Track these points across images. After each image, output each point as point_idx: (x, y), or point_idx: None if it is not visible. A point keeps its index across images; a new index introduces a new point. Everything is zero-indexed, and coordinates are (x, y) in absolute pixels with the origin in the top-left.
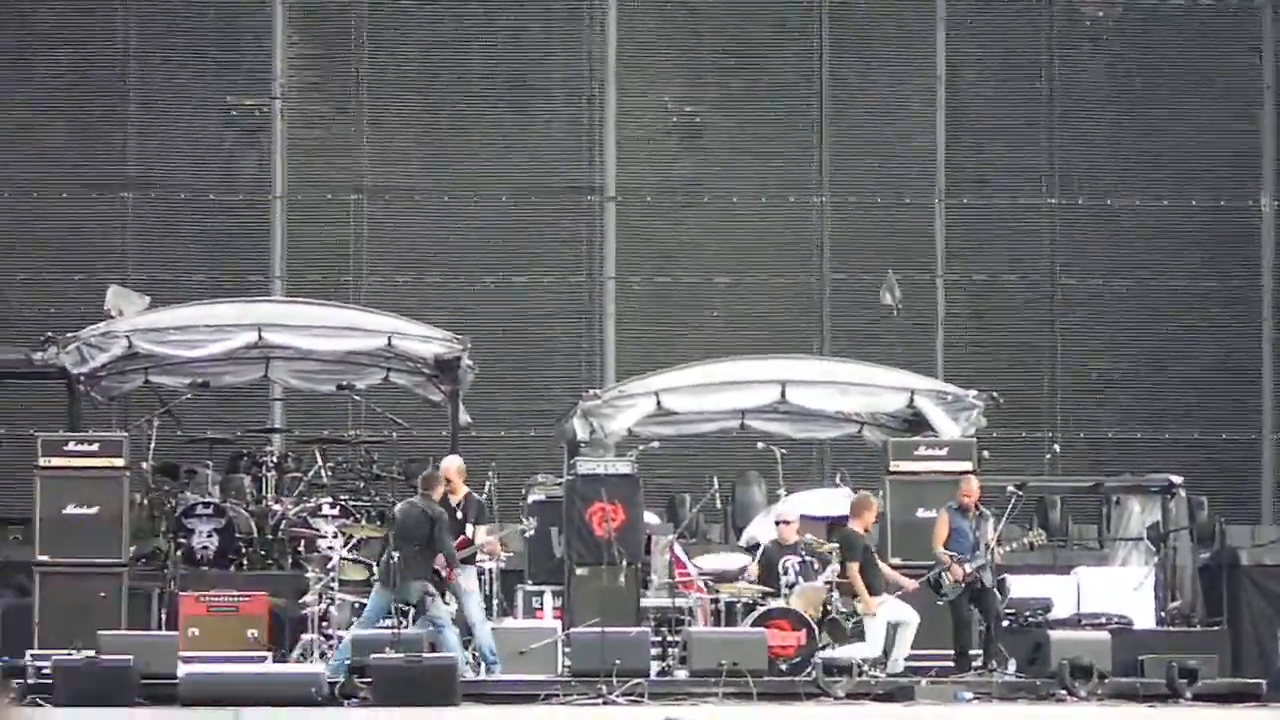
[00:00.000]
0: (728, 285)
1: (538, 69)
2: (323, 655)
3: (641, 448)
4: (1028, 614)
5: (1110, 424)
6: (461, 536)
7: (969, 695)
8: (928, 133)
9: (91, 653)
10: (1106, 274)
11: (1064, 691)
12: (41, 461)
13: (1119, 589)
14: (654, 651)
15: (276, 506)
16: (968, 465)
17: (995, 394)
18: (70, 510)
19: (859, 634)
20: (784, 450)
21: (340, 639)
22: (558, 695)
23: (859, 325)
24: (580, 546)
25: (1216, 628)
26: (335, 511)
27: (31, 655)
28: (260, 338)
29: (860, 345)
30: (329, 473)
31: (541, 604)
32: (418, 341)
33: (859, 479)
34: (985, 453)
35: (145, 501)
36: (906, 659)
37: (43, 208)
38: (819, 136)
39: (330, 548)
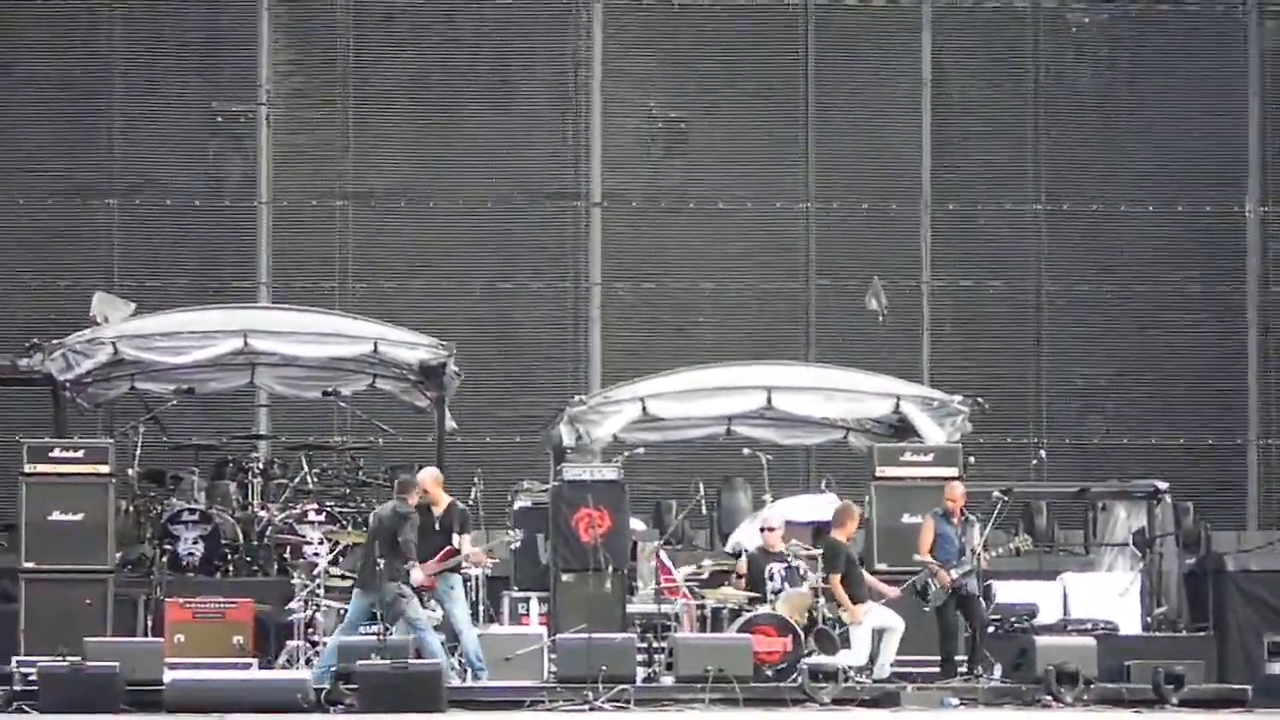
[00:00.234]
0: (713, 291)
1: (523, 75)
2: (308, 661)
3: (627, 454)
4: (1013, 620)
5: (1096, 430)
6: (447, 547)
7: (955, 701)
8: (913, 139)
9: (77, 659)
10: (1092, 280)
11: (1050, 697)
12: (27, 468)
13: (1105, 595)
14: (640, 658)
15: (262, 513)
16: (953, 471)
17: (981, 399)
18: (56, 516)
19: (847, 642)
20: (770, 456)
21: (326, 645)
22: (544, 701)
23: (845, 331)
24: (566, 553)
25: (1202, 633)
26: (321, 518)
27: (17, 662)
28: (246, 344)
29: (846, 351)
30: (315, 479)
31: (527, 610)
32: (403, 348)
33: (845, 485)
34: (971, 458)
35: (131, 508)
36: (892, 665)
37: (28, 214)
38: (804, 143)
39: (316, 554)
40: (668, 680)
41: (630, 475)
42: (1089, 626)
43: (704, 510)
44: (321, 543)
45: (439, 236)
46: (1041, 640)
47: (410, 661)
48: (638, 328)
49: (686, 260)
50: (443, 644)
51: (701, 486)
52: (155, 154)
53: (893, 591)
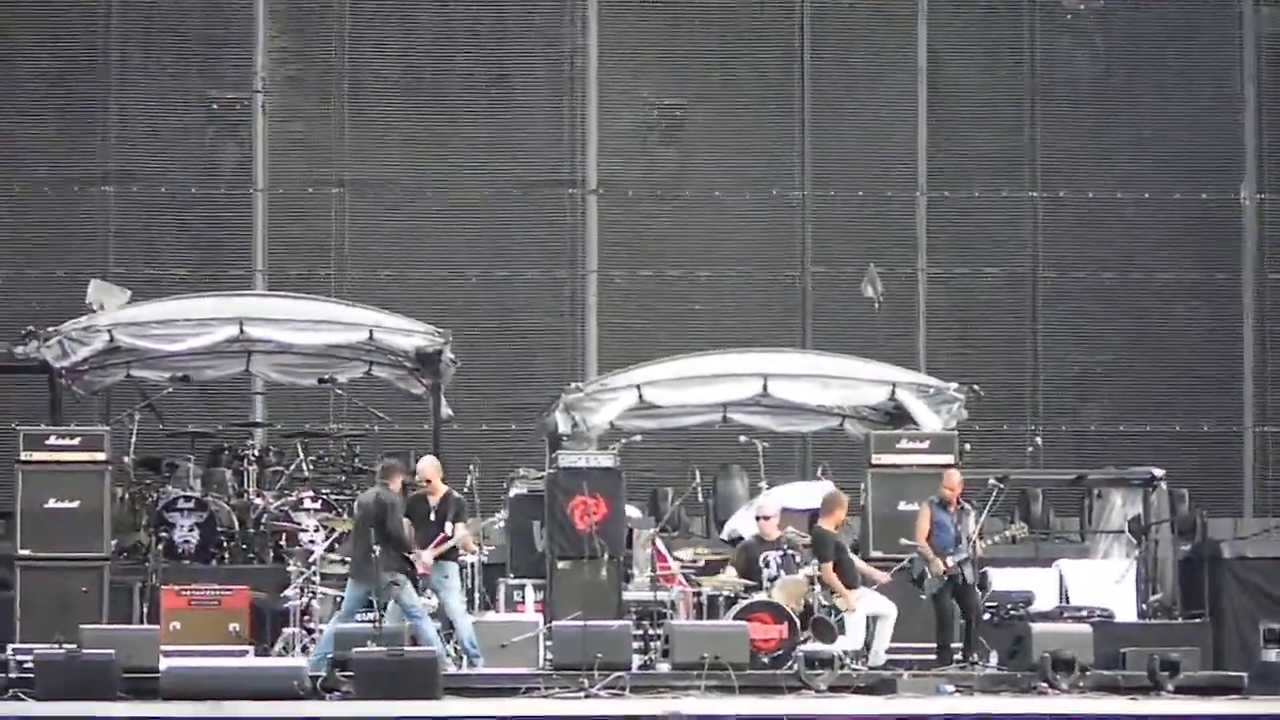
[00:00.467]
0: (709, 279)
1: (519, 62)
2: (304, 649)
3: (623, 441)
4: (1009, 607)
5: (1092, 417)
6: (440, 535)
7: (950, 688)
8: (909, 126)
9: (73, 646)
10: (1088, 267)
11: (1045, 684)
12: (23, 455)
13: (1101, 582)
14: (636, 645)
15: (258, 500)
16: (949, 458)
17: (976, 387)
18: (52, 504)
19: (843, 629)
20: (766, 443)
21: (322, 632)
22: (539, 688)
23: (841, 319)
24: (562, 540)
25: (1198, 620)
26: (317, 505)
27: (13, 649)
28: (241, 332)
29: (842, 338)
30: (310, 466)
31: (523, 597)
32: (399, 335)
33: (841, 472)
34: (967, 446)
35: (127, 495)
36: (887, 651)
37: (24, 201)
38: (800, 130)
39: (312, 541)
40: (664, 667)
41: (626, 462)
42: (1085, 613)
43: (700, 498)
44: (317, 530)
45: (435, 224)
46: (1037, 627)
47: (406, 649)
48: (634, 315)
49: (683, 248)
50: (438, 631)
51: (698, 474)
52: (151, 142)
53: (883, 577)
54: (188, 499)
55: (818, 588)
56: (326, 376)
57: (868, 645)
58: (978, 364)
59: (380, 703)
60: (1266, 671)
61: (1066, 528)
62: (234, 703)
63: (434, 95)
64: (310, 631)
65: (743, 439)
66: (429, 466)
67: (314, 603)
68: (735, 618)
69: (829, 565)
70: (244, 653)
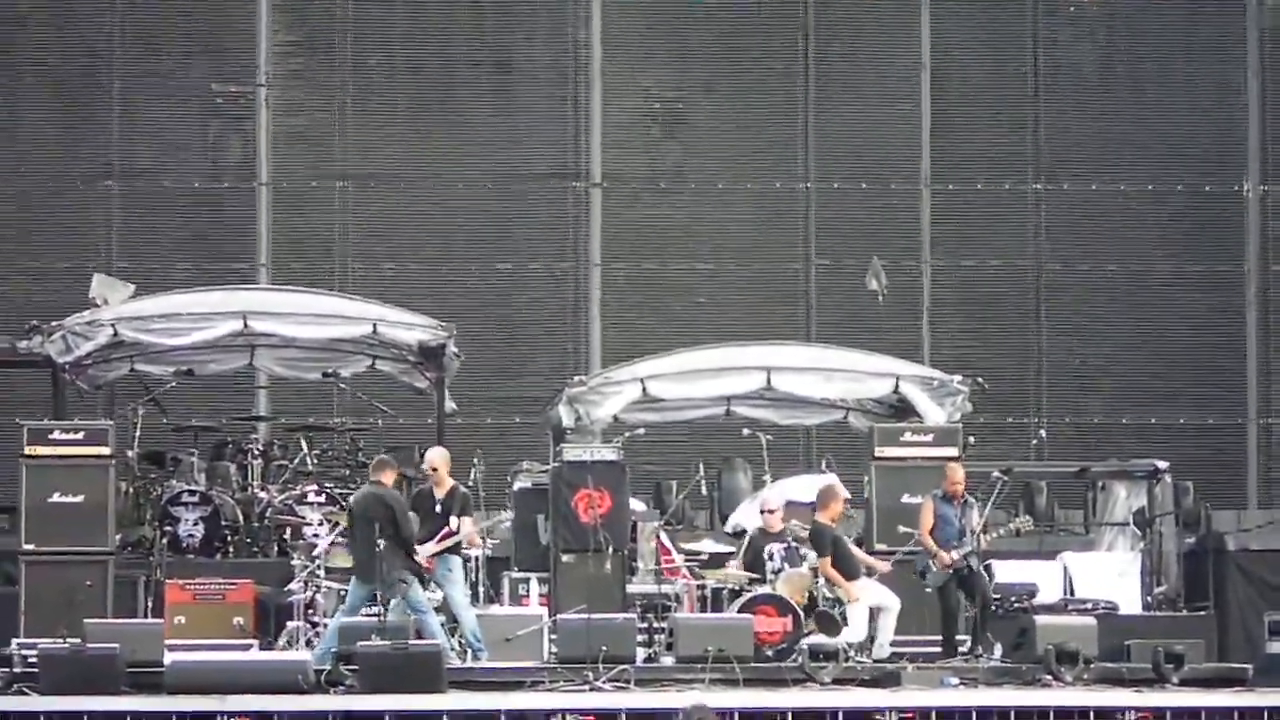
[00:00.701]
0: (713, 271)
1: (522, 55)
2: (309, 643)
3: (627, 434)
4: (1013, 599)
5: (1096, 409)
6: (445, 529)
7: (955, 680)
8: (913, 119)
9: (77, 641)
10: (1092, 259)
11: (1050, 677)
12: (27, 450)
13: (1105, 574)
14: (640, 638)
15: (262, 494)
16: (953, 451)
17: (980, 379)
18: (56, 499)
19: (846, 621)
20: (770, 436)
21: (326, 626)
22: (544, 682)
23: (845, 311)
24: (566, 533)
25: (1203, 613)
26: (321, 499)
27: (17, 644)
28: (245, 325)
29: (846, 331)
30: (314, 460)
31: (527, 591)
32: (403, 329)
33: (845, 465)
34: (971, 438)
35: (131, 490)
36: (892, 644)
37: (27, 196)
38: (804, 123)
39: (316, 535)
40: (668, 660)
41: (630, 456)
42: (1089, 606)
43: (704, 491)
44: (321, 524)
45: (438, 217)
46: (1041, 620)
47: (410, 642)
48: (637, 308)
49: (686, 241)
50: (442, 625)
51: (701, 467)
52: (154, 136)
53: (885, 566)
54: (192, 493)
55: (822, 580)
56: (330, 370)
57: (871, 638)
58: (981, 357)
59: (384, 696)
60: (1271, 663)
61: (1070, 520)
62: (238, 696)
63: (437, 88)
64: (315, 625)
65: (746, 432)
66: (437, 456)
67: (318, 596)
68: (739, 610)
69: (827, 560)
70: (248, 647)
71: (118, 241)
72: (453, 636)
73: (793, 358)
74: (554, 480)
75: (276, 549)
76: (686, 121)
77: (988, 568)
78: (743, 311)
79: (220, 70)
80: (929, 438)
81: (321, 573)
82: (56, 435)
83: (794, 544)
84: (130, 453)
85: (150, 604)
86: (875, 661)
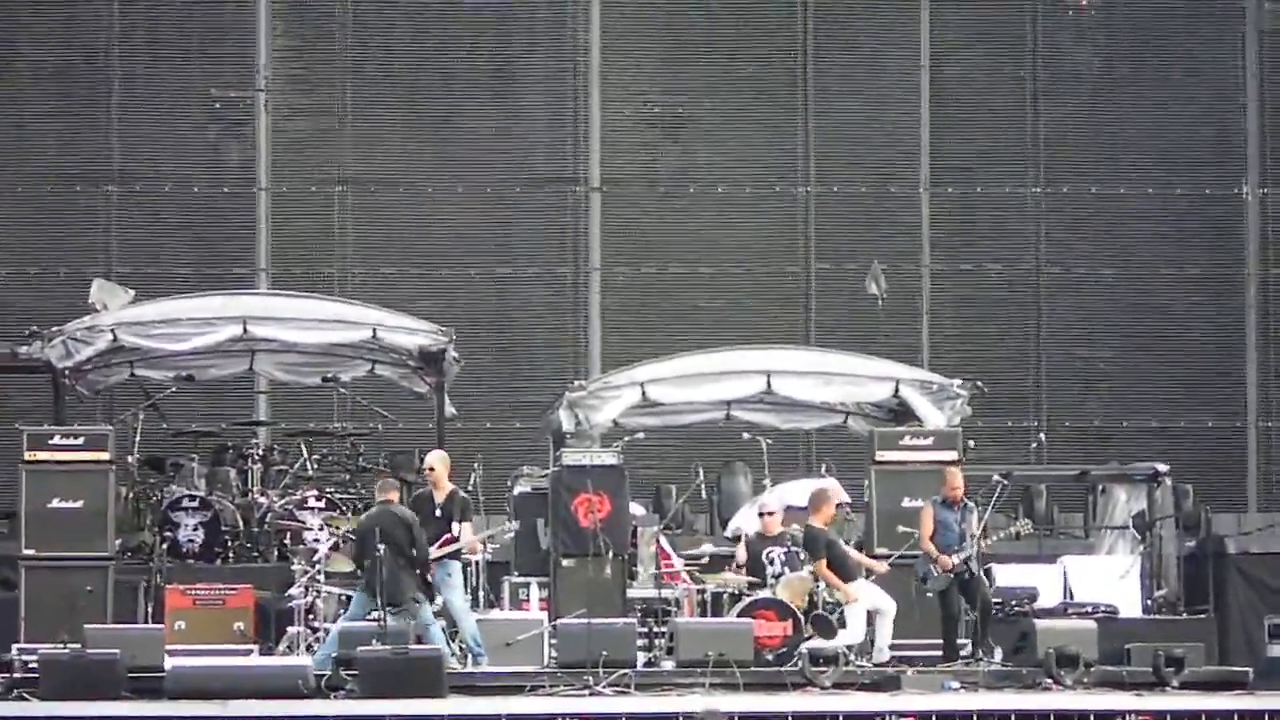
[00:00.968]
0: (712, 276)
1: (522, 60)
2: (309, 648)
3: (627, 439)
4: (1014, 603)
5: (1096, 413)
6: (446, 535)
7: (955, 684)
8: (912, 122)
9: (78, 646)
10: (1091, 262)
11: (1050, 680)
12: (27, 455)
13: (1105, 578)
14: (640, 642)
15: (262, 499)
16: (953, 455)
17: (980, 383)
18: (56, 504)
19: (845, 623)
20: (769, 440)
21: (327, 631)
22: (544, 686)
23: (844, 315)
24: (566, 538)
25: (1203, 616)
26: (321, 504)
27: (17, 649)
28: (245, 331)
29: (845, 335)
30: (314, 465)
31: (528, 595)
32: (402, 334)
33: (844, 469)
34: (970, 442)
35: (131, 495)
36: (892, 648)
37: (27, 201)
38: (803, 127)
39: (316, 540)
40: (668, 665)
41: (630, 460)
42: (1089, 609)
43: (704, 495)
44: (321, 529)
45: (438, 222)
46: (1042, 623)
47: (411, 647)
48: (637, 313)
49: (686, 244)
50: (443, 629)
51: (701, 471)
52: (154, 140)
53: (882, 566)
54: (192, 498)
55: (821, 584)
56: (330, 375)
57: (872, 640)
58: (981, 360)
59: (385, 701)
60: (1271, 666)
61: (1070, 524)
62: (239, 702)
63: (437, 93)
64: (315, 630)
65: (746, 436)
66: (437, 460)
67: (318, 601)
68: (739, 615)
69: (822, 563)
70: (249, 652)
71: (117, 247)
72: (453, 641)
73: (792, 362)
74: (554, 485)
75: (277, 554)
76: (685, 125)
77: (988, 571)
78: (742, 315)
79: (220, 75)
80: (929, 441)
81: (322, 578)
82: (56, 440)
83: (793, 548)
84: (130, 458)
85: (150, 609)
86: (875, 666)
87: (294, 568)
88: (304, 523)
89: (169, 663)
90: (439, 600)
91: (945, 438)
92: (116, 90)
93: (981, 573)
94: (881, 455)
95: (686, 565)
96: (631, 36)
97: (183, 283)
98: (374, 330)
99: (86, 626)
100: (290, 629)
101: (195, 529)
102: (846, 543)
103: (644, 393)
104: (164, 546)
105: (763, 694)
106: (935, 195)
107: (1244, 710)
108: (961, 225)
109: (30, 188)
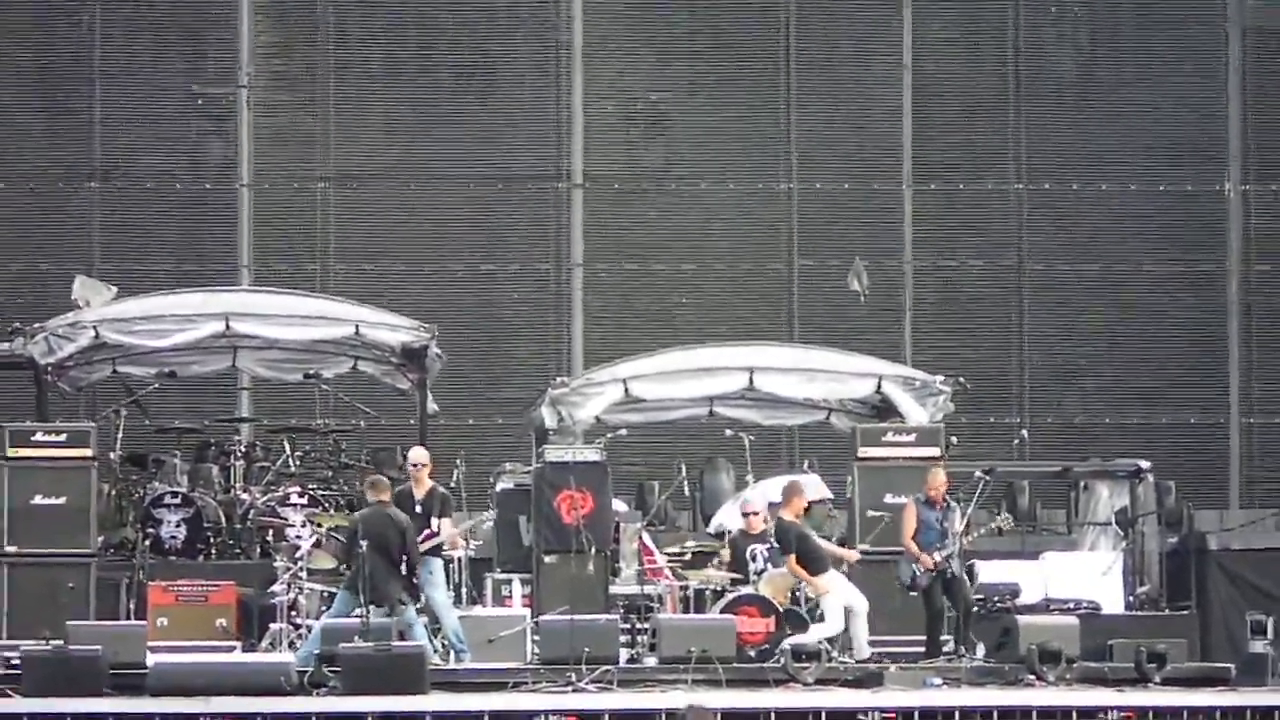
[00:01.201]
0: (695, 272)
1: (504, 56)
2: (292, 644)
3: (610, 435)
4: (996, 599)
5: (1078, 409)
6: (426, 530)
7: (938, 681)
8: (894, 119)
9: (60, 643)
10: (1073, 259)
11: (1032, 676)
12: (9, 452)
13: (1087, 574)
14: (623, 639)
15: (244, 496)
16: (936, 451)
17: (963, 379)
18: (38, 500)
19: (817, 618)
20: (752, 437)
21: (309, 628)
22: (527, 683)
23: (827, 312)
24: (549, 534)
25: (1185, 612)
26: (303, 500)
27: None
28: (228, 327)
29: (828, 332)
30: (297, 462)
31: (510, 592)
32: (385, 330)
33: (827, 465)
34: (953, 438)
35: (113, 491)
36: (873, 644)
37: (9, 198)
38: (786, 123)
39: (298, 537)
40: (651, 661)
41: (612, 457)
42: (1071, 606)
43: (686, 491)
44: (304, 525)
45: (421, 219)
46: (1024, 620)
47: (393, 644)
48: (619, 309)
49: (668, 241)
50: (426, 626)
51: (684, 468)
52: (136, 137)
53: (853, 555)
54: (174, 495)
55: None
56: (312, 372)
57: (848, 645)
58: (963, 357)
59: (367, 698)
60: (1253, 663)
61: (1053, 520)
62: (221, 698)
63: (419, 89)
64: (297, 627)
65: (729, 433)
66: (419, 456)
67: (301, 598)
68: (722, 611)
69: (792, 557)
70: (231, 648)
71: (100, 243)
72: (435, 638)
73: (775, 358)
74: (536, 481)
75: (259, 551)
76: (668, 122)
77: (970, 568)
78: (725, 312)
79: (202, 72)
80: (911, 438)
81: (304, 574)
82: (39, 437)
83: (775, 545)
84: (112, 454)
85: (133, 606)
86: (858, 663)
87: (276, 564)
88: (286, 519)
89: (151, 659)
90: (422, 598)
91: (928, 434)
92: (99, 86)
93: (964, 573)
94: (864, 452)
95: (669, 561)
96: (614, 33)
97: (165, 279)
98: (356, 327)
99: (69, 623)
100: (273, 626)
101: (178, 525)
102: (828, 539)
103: (626, 389)
104: (146, 543)
105: (745, 690)
106: (918, 192)
107: (1226, 706)
108: (944, 222)
109: (12, 184)
